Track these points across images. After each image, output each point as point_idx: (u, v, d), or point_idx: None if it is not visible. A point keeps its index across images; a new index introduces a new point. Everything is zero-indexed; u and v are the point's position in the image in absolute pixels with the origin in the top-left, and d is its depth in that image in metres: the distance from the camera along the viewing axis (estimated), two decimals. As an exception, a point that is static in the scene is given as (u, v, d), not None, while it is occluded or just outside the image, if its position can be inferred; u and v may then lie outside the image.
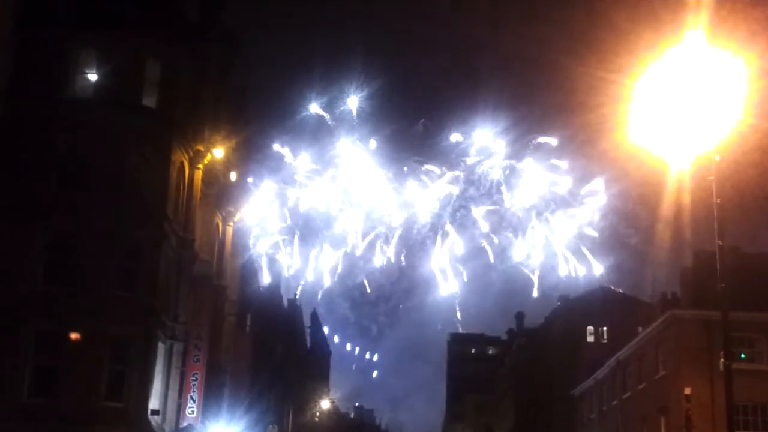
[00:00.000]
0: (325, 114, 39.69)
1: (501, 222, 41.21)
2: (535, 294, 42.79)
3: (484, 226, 41.06)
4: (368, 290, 43.63)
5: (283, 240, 42.31)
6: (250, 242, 43.35)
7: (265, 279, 46.41)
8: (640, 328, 43.35)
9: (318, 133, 40.30)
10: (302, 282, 43.51)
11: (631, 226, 39.72)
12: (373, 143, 39.88)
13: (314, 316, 79.18)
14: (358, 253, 41.58)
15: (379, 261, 41.80)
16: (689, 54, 11.47)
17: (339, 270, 41.99)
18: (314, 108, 39.67)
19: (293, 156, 40.54)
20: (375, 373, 58.45)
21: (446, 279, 41.82)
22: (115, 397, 29.00)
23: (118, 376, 29.26)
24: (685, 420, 31.43)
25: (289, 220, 41.65)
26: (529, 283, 41.85)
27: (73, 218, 29.60)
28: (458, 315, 45.14)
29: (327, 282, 42.24)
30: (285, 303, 62.85)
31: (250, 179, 42.23)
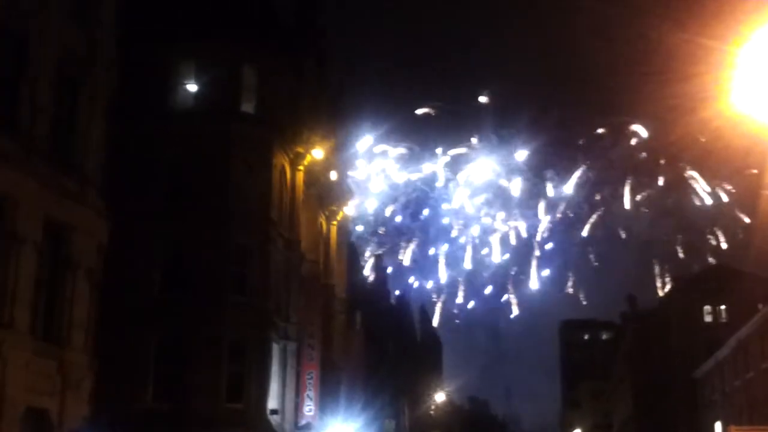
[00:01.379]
0: (438, 112, 39.36)
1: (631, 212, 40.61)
2: (659, 286, 42.17)
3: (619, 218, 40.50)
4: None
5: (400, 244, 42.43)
6: (356, 240, 43.65)
7: (371, 276, 46.69)
8: (760, 305, 41.87)
9: (436, 131, 40.18)
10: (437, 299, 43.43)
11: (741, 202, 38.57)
12: (521, 154, 39.39)
13: (422, 310, 79.40)
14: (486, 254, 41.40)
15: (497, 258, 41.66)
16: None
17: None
18: (428, 106, 39.35)
19: (404, 152, 40.43)
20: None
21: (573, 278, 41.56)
22: (235, 399, 29.71)
23: (236, 378, 29.92)
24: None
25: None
26: (646, 269, 41.22)
27: (185, 227, 30.45)
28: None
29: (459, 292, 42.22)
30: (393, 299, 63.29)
31: (365, 181, 42.06)
